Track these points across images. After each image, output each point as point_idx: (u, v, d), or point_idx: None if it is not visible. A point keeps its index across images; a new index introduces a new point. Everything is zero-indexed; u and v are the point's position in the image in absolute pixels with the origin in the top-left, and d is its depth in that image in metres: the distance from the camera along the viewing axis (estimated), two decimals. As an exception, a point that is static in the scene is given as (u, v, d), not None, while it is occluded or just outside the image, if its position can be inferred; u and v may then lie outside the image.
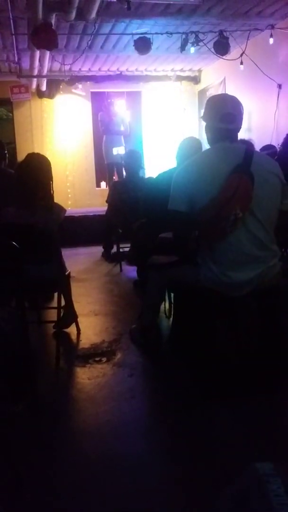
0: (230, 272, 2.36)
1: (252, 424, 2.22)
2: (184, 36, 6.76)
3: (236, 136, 2.50)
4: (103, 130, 8.55)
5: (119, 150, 8.33)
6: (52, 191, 3.20)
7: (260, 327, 2.49)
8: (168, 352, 3.06)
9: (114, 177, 8.49)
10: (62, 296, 3.19)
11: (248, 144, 4.37)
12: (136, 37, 6.59)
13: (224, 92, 8.06)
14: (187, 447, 2.08)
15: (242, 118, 2.47)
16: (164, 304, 3.45)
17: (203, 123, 2.55)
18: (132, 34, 6.62)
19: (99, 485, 1.84)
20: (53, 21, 5.68)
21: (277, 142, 5.95)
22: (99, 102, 9.30)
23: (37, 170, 3.15)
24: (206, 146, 2.62)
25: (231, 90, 8.01)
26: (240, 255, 2.35)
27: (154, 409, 2.50)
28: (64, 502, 1.78)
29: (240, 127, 2.48)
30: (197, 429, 2.21)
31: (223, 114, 2.41)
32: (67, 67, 8.24)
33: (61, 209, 3.27)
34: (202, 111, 2.61)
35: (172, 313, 3.40)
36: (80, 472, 1.93)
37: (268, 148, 5.70)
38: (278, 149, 5.20)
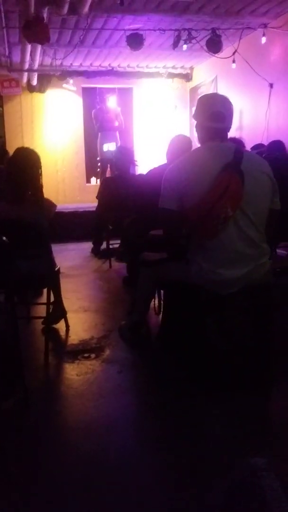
0: (220, 270, 2.37)
1: (242, 420, 2.23)
2: (176, 33, 6.74)
3: (226, 135, 2.50)
4: (98, 128, 8.51)
5: (109, 147, 8.29)
6: (41, 185, 3.18)
7: (250, 325, 2.50)
8: (157, 349, 3.06)
9: (107, 174, 8.46)
10: (51, 292, 3.18)
11: (238, 143, 4.40)
12: (128, 33, 6.56)
13: (215, 91, 8.07)
14: (177, 443, 2.08)
15: (232, 117, 2.48)
16: (154, 301, 3.45)
17: (194, 121, 2.55)
18: (125, 30, 6.58)
19: (88, 481, 1.84)
20: (45, 15, 5.63)
21: (267, 141, 5.97)
22: (90, 97, 9.25)
23: (26, 164, 3.13)
24: (196, 144, 2.62)
25: (222, 89, 8.02)
26: (230, 253, 2.35)
27: (143, 405, 2.50)
28: (54, 498, 1.77)
29: (230, 126, 2.48)
30: (187, 425, 2.22)
31: (213, 112, 2.41)
32: (58, 62, 8.19)
33: (51, 205, 3.26)
34: (194, 108, 2.61)
35: (161, 309, 3.41)
36: (69, 468, 1.93)
37: (258, 147, 5.73)
38: (268, 150, 5.22)
